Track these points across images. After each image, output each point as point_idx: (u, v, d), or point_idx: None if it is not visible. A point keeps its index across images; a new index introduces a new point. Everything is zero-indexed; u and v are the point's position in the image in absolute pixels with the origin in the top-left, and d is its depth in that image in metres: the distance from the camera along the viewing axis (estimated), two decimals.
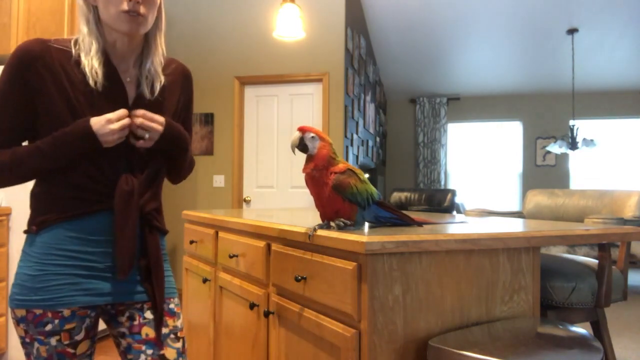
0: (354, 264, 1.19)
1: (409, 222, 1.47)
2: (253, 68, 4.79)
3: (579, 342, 1.18)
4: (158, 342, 1.21)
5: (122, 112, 1.14)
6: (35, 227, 1.15)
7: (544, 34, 6.11)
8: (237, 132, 4.82)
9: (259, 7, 4.77)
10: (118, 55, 1.19)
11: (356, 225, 1.40)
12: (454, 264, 1.29)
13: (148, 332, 1.21)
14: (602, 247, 1.68)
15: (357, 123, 5.32)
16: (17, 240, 2.98)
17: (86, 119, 1.11)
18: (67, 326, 1.14)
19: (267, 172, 4.76)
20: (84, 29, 1.16)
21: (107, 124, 1.11)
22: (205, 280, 2.15)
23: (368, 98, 6.12)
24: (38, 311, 1.12)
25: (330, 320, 1.30)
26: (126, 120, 1.14)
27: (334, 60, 4.60)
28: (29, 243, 1.17)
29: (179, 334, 1.25)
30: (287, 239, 1.51)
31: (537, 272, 1.43)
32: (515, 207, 7.65)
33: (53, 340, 1.13)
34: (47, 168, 1.13)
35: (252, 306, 1.71)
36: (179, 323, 1.27)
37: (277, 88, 4.79)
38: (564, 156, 7.49)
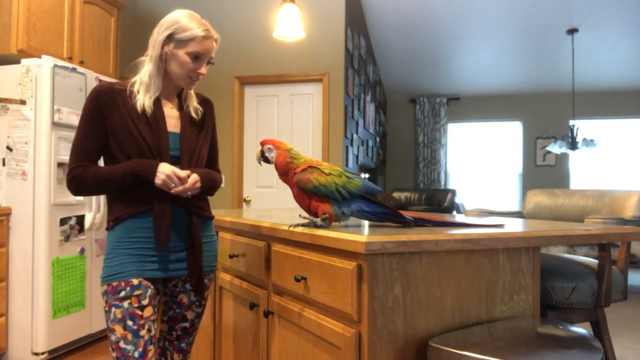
0: (354, 264, 1.19)
1: (399, 218, 1.43)
2: (253, 68, 4.79)
3: (579, 342, 1.18)
4: (185, 306, 1.64)
5: (185, 174, 1.48)
6: (111, 223, 1.52)
7: (544, 34, 6.11)
8: (237, 132, 4.82)
9: (259, 7, 4.77)
10: (165, 92, 1.59)
11: (337, 220, 1.40)
12: (454, 264, 1.29)
13: (182, 297, 1.64)
14: (602, 247, 1.68)
15: (357, 123, 5.32)
16: (17, 240, 2.98)
17: (156, 163, 1.48)
18: (136, 292, 1.46)
19: (267, 172, 4.75)
20: (153, 72, 1.53)
21: (163, 173, 1.45)
22: None
23: (368, 98, 6.12)
24: (115, 283, 1.46)
25: (330, 320, 1.30)
26: (168, 181, 1.46)
27: (334, 60, 4.60)
28: (108, 236, 1.53)
29: (202, 302, 1.68)
30: (287, 239, 1.51)
31: (537, 272, 1.43)
32: (515, 207, 7.65)
33: (126, 304, 1.45)
34: (124, 187, 1.49)
35: (252, 306, 1.71)
36: (205, 294, 1.67)
37: (277, 88, 4.78)
38: (564, 156, 7.49)
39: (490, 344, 1.15)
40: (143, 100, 1.52)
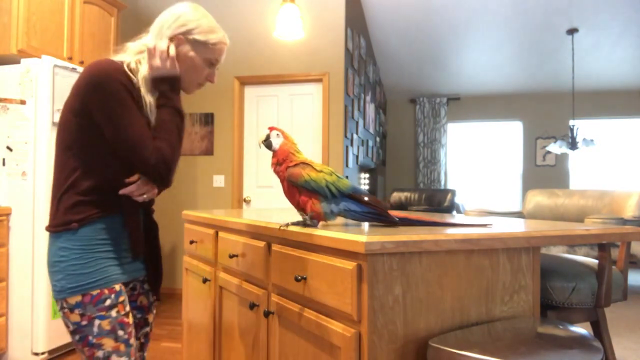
0: (354, 264, 1.19)
1: (385, 218, 1.43)
2: (253, 68, 4.79)
3: (579, 342, 1.18)
4: (146, 309, 1.52)
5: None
6: (76, 224, 1.30)
7: (544, 34, 6.11)
8: (237, 132, 4.82)
9: (259, 7, 4.77)
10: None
11: (325, 218, 1.40)
12: (454, 264, 1.29)
13: (142, 300, 1.52)
14: (602, 247, 1.68)
15: (357, 123, 5.32)
16: (17, 240, 2.97)
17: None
18: (121, 299, 1.33)
19: (267, 172, 4.75)
20: None
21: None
22: (205, 280, 2.15)
23: (368, 98, 6.12)
24: (95, 292, 1.29)
25: (330, 320, 1.30)
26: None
27: (334, 60, 4.60)
28: (66, 239, 1.30)
29: (155, 303, 1.58)
30: (287, 239, 1.51)
31: (537, 272, 1.43)
32: (515, 207, 7.64)
33: (114, 312, 1.30)
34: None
35: (252, 306, 1.70)
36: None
37: (277, 88, 4.78)
38: (564, 156, 7.49)
39: (490, 344, 1.15)
40: (149, 101, 1.31)
